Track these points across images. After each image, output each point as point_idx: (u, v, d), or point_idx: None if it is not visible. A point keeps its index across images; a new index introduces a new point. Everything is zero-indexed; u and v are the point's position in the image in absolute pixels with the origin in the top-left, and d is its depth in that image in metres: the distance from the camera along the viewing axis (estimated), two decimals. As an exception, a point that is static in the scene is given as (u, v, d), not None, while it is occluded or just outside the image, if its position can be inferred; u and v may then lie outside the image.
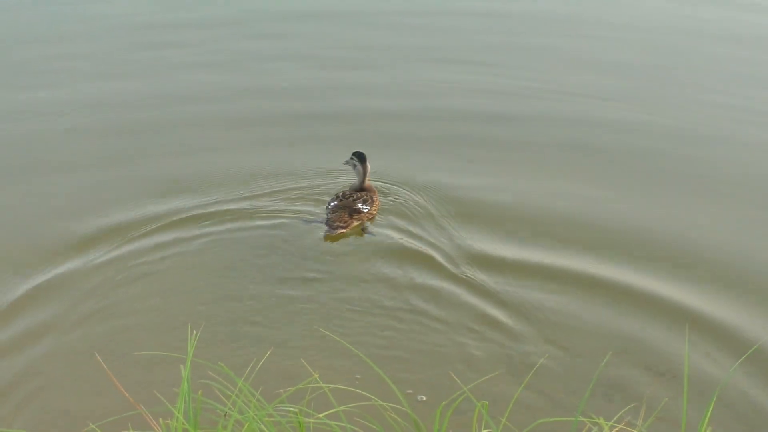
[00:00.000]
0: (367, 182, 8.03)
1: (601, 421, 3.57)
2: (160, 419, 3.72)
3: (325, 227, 7.55)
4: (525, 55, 12.10)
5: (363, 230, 7.50)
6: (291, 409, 3.70)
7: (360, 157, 7.96)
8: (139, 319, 6.39)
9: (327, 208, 7.79)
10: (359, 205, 7.71)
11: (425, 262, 7.14)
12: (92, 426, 3.97)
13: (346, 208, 7.65)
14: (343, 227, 7.52)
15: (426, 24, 13.37)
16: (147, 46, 12.28)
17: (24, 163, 8.92)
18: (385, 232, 7.64)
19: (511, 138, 9.56)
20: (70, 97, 10.57)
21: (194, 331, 3.79)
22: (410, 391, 5.58)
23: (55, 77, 11.15)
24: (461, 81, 11.10)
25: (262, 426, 3.54)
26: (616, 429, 3.77)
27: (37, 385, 5.72)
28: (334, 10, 14.05)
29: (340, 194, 7.84)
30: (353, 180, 8.10)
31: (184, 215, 7.72)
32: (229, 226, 7.61)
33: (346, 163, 8.06)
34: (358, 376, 5.60)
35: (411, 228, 7.65)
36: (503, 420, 3.66)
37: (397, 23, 13.42)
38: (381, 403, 3.72)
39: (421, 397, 5.53)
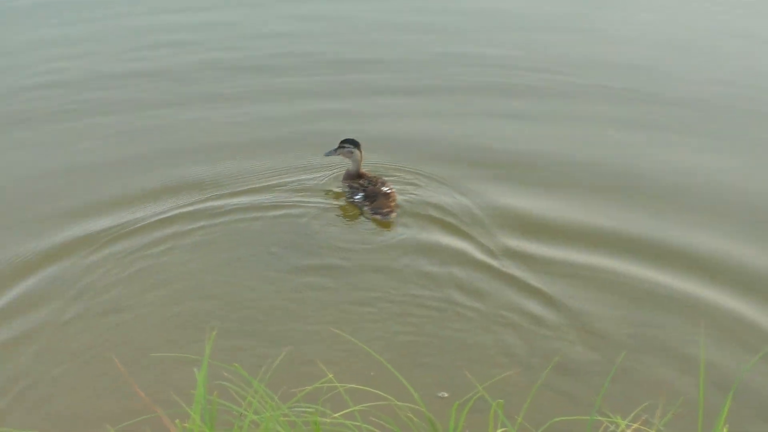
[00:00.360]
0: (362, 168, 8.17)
1: (618, 419, 3.66)
2: (177, 421, 3.83)
3: (377, 216, 7.68)
4: (543, 37, 12.29)
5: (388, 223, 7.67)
6: (307, 409, 3.81)
7: (355, 144, 8.08)
8: (152, 317, 6.47)
9: (352, 200, 7.92)
10: (385, 189, 7.86)
11: (449, 250, 7.26)
12: (110, 429, 4.09)
13: (380, 195, 7.79)
14: (393, 212, 7.69)
15: (437, 23, 13.51)
16: (159, 44, 12.43)
17: (34, 161, 9.07)
18: (409, 218, 7.77)
19: (535, 121, 9.79)
20: (78, 94, 10.72)
21: (211, 332, 3.89)
22: (431, 388, 5.65)
23: (67, 74, 11.31)
24: (480, 57, 11.41)
25: (278, 427, 3.64)
26: (633, 427, 3.87)
27: (50, 387, 5.81)
28: (346, 12, 14.21)
29: (356, 185, 7.95)
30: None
31: (192, 207, 7.85)
32: (240, 217, 7.74)
33: (338, 151, 8.14)
34: (372, 374, 5.65)
35: (435, 213, 7.79)
36: (519, 419, 3.76)
37: (406, 23, 13.54)
38: (396, 402, 3.83)
39: (443, 394, 5.61)
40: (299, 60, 11.46)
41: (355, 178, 8.05)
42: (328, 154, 8.18)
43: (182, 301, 6.63)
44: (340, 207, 7.96)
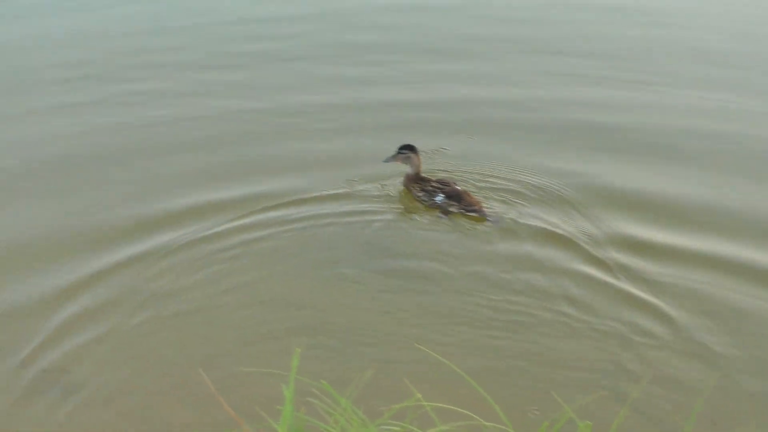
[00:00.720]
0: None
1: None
2: (265, 436, 3.93)
3: (473, 213, 7.82)
4: (632, 47, 12.33)
5: (440, 216, 7.87)
6: (393, 427, 3.86)
7: (412, 149, 8.28)
8: (236, 328, 6.54)
9: (432, 203, 8.04)
10: (459, 188, 8.06)
11: (546, 255, 7.28)
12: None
13: (463, 193, 7.98)
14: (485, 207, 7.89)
15: (531, 17, 13.61)
16: (246, 39, 12.85)
17: (121, 149, 9.44)
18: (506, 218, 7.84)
19: (627, 126, 9.79)
20: (170, 87, 11.12)
21: (296, 348, 3.96)
22: (524, 404, 5.65)
23: (158, 69, 11.66)
24: (566, 71, 11.41)
25: (365, 445, 3.71)
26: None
27: (135, 396, 5.94)
28: (436, 3, 14.38)
29: (429, 188, 8.11)
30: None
31: (275, 202, 8.04)
32: (314, 223, 7.84)
33: (396, 158, 8.32)
34: (464, 392, 5.57)
35: (533, 217, 7.84)
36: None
37: (500, 15, 13.72)
38: (484, 423, 3.86)
39: (534, 411, 5.60)
40: (381, 70, 11.60)
41: (416, 181, 8.22)
42: (387, 161, 8.40)
43: (266, 311, 6.71)
44: (413, 210, 8.11)
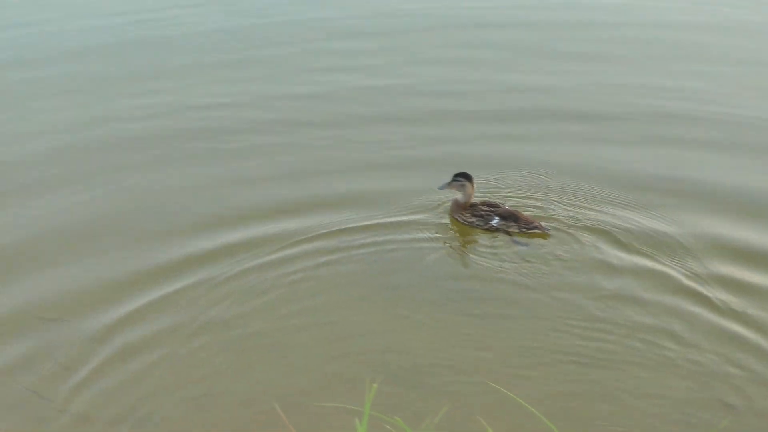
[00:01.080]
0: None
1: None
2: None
3: (536, 230, 7.89)
4: (723, 63, 12.51)
5: (515, 242, 7.85)
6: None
7: (467, 177, 8.30)
8: (305, 359, 6.48)
9: (488, 227, 8.07)
10: (509, 207, 8.18)
11: (613, 281, 7.18)
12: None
13: (517, 213, 8.05)
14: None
15: (612, 36, 13.82)
16: (327, 56, 13.19)
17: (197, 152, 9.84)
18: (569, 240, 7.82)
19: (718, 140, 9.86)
20: (246, 114, 11.28)
21: (371, 384, 3.98)
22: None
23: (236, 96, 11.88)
24: (653, 85, 11.56)
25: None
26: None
27: (203, 426, 5.90)
28: (522, 20, 14.70)
29: (480, 213, 8.14)
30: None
31: (341, 227, 8.10)
32: (388, 238, 7.92)
33: (451, 185, 8.31)
34: (540, 430, 5.44)
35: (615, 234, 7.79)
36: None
37: (583, 33, 13.96)
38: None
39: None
40: (466, 86, 11.71)
41: (465, 208, 8.27)
42: (441, 188, 8.43)
43: (334, 341, 6.67)
44: (477, 233, 8.11)
